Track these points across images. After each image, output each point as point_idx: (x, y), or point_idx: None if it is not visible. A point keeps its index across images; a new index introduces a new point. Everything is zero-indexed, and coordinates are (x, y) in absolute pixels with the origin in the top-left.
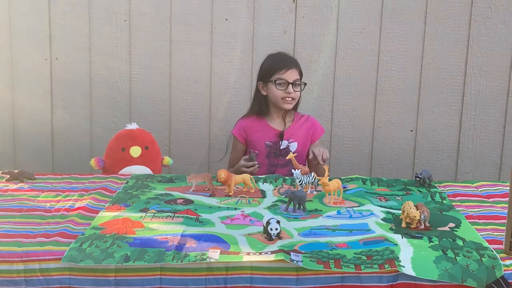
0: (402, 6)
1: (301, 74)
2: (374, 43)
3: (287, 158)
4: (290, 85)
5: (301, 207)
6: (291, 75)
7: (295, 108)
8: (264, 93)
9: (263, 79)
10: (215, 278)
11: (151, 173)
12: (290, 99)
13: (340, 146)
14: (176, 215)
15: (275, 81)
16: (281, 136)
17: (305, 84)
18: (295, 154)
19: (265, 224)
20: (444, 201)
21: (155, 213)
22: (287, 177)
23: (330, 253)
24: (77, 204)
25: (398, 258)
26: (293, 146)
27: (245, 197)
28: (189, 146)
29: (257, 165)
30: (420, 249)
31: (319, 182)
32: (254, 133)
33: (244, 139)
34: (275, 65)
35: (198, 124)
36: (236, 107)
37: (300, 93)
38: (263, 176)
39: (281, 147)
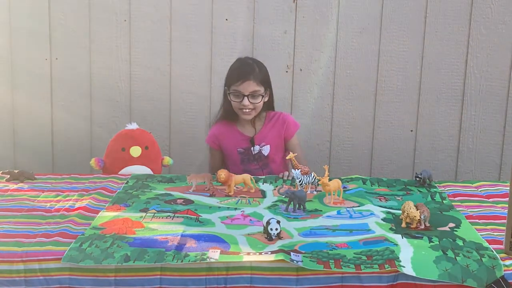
0: (402, 6)
1: (264, 82)
2: (374, 43)
3: (287, 158)
4: (246, 97)
5: (301, 207)
6: (246, 87)
7: (270, 108)
8: (229, 99)
9: (225, 86)
10: (215, 278)
11: (151, 173)
12: (248, 110)
13: (340, 146)
14: (176, 215)
15: (230, 93)
16: (252, 142)
17: (264, 95)
18: (295, 154)
19: (265, 224)
20: (444, 201)
21: (155, 213)
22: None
23: (330, 253)
24: (77, 204)
25: (398, 258)
26: (266, 150)
27: (245, 197)
28: (189, 146)
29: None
30: (420, 249)
31: (319, 182)
32: (225, 139)
33: (218, 146)
34: (231, 76)
35: (198, 124)
36: None
37: (271, 97)
38: (263, 176)
39: (253, 153)
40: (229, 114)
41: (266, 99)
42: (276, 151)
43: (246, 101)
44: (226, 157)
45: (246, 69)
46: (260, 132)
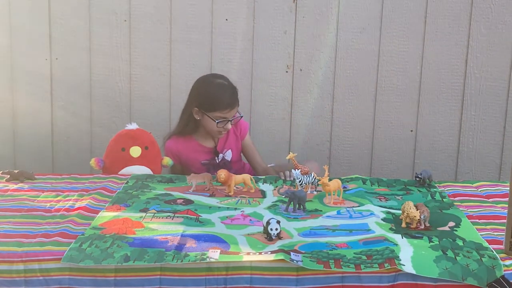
0: (402, 6)
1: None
2: (374, 43)
3: (287, 158)
4: (229, 122)
5: (301, 207)
6: (232, 113)
7: None
8: (197, 117)
9: (201, 108)
10: (215, 278)
11: (151, 173)
12: (226, 131)
13: (340, 146)
14: (176, 215)
15: (216, 120)
16: (216, 153)
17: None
18: (295, 154)
19: (265, 224)
20: (444, 199)
21: (155, 213)
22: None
23: (330, 253)
24: (77, 204)
25: (398, 257)
26: (228, 155)
27: (245, 197)
28: None
29: None
30: (420, 249)
31: (319, 182)
32: (186, 155)
33: (178, 161)
34: (219, 104)
35: None
36: None
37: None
38: (263, 176)
39: (218, 161)
40: (188, 131)
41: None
42: (236, 153)
43: (229, 125)
44: (187, 168)
45: (233, 97)
46: (220, 141)
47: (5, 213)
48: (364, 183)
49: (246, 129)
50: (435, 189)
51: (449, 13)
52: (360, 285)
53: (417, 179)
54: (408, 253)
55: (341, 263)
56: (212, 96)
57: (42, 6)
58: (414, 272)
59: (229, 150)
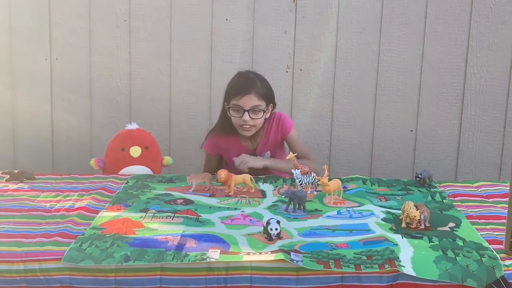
0: (402, 6)
1: (265, 97)
2: (374, 43)
3: (287, 158)
4: (246, 113)
5: (301, 207)
6: (247, 101)
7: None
8: (229, 114)
9: (225, 101)
10: (215, 278)
11: (151, 173)
12: (248, 126)
13: (340, 146)
14: (176, 215)
15: (230, 107)
16: (254, 154)
17: (265, 110)
18: (295, 154)
19: (265, 224)
20: (444, 200)
21: (155, 213)
22: (287, 178)
23: (330, 253)
24: (77, 204)
25: (398, 258)
26: (266, 156)
27: (245, 197)
28: (189, 146)
29: None
30: (420, 249)
31: (318, 182)
32: (225, 150)
33: (216, 154)
34: (232, 90)
35: (198, 124)
36: None
37: (272, 108)
38: (263, 176)
39: None
40: (227, 130)
41: (267, 115)
42: (275, 154)
43: (246, 117)
44: (225, 163)
45: (247, 83)
46: (260, 143)
47: (5, 213)
48: (364, 183)
49: (289, 126)
50: (435, 189)
51: (449, 13)
52: (360, 285)
53: (417, 179)
54: (408, 254)
55: (341, 263)
56: (229, 85)
57: (42, 6)
58: (414, 274)
59: (268, 152)
